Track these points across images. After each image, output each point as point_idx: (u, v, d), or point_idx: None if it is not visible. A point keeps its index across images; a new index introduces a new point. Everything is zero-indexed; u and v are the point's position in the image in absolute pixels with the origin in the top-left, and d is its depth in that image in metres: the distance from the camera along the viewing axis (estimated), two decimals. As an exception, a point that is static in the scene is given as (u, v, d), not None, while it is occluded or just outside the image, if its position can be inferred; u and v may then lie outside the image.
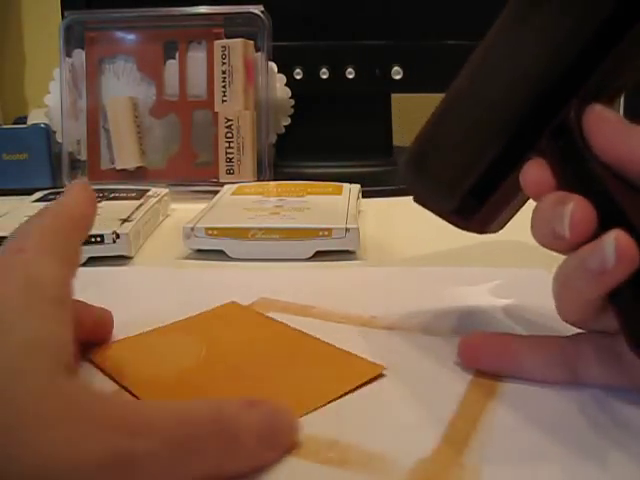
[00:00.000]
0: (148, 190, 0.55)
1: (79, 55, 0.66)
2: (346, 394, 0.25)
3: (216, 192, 0.55)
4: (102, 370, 0.28)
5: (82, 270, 0.42)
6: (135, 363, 0.28)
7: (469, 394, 0.26)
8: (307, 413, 0.24)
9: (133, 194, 0.54)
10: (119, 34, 0.66)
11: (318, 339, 0.30)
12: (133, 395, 0.25)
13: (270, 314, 0.34)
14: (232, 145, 0.63)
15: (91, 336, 0.29)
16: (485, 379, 0.27)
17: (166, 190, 0.56)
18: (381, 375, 0.27)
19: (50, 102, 0.67)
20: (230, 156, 0.63)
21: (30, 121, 0.71)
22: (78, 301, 0.28)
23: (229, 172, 0.63)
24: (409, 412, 0.25)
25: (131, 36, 0.65)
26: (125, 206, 0.50)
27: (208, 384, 0.26)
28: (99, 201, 0.52)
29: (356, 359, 0.28)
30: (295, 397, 0.25)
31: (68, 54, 0.65)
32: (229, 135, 0.63)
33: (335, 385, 0.26)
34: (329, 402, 0.25)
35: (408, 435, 0.23)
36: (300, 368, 0.27)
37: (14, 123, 0.84)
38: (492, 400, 0.25)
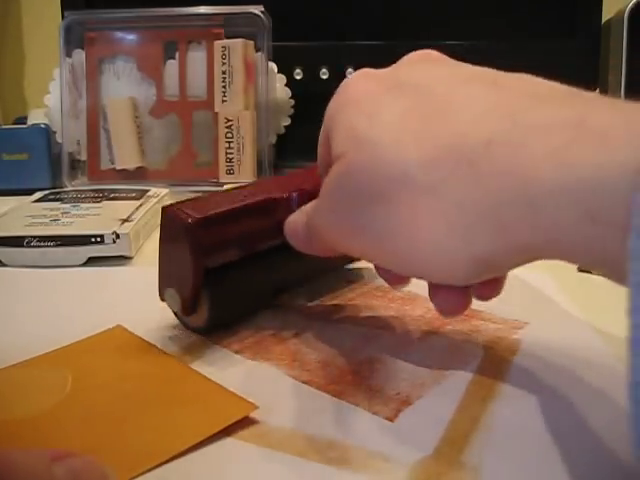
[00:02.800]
0: (148, 190, 0.55)
1: (79, 55, 0.66)
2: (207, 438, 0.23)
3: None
4: None
5: (82, 270, 0.42)
6: None
7: (469, 394, 0.26)
8: (154, 467, 0.22)
9: (133, 194, 0.54)
10: (119, 34, 0.66)
11: (194, 371, 0.28)
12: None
13: (270, 314, 0.34)
14: (232, 145, 0.63)
15: None
16: (485, 379, 0.27)
17: (166, 190, 0.56)
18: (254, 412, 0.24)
19: (50, 102, 0.67)
20: (230, 156, 0.63)
21: (30, 121, 0.71)
22: None
23: (229, 172, 0.63)
24: (409, 412, 0.25)
25: (131, 36, 0.65)
26: (125, 206, 0.50)
27: (60, 429, 0.24)
28: (99, 201, 0.52)
29: (227, 397, 0.26)
30: (148, 445, 0.23)
31: (68, 54, 0.65)
32: (229, 135, 0.63)
33: (194, 430, 0.23)
34: (182, 452, 0.22)
35: (408, 435, 0.23)
36: (164, 409, 0.25)
37: (14, 123, 0.84)
38: (492, 400, 0.25)
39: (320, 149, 0.29)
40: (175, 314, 0.32)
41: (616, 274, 0.18)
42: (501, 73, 0.23)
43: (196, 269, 0.29)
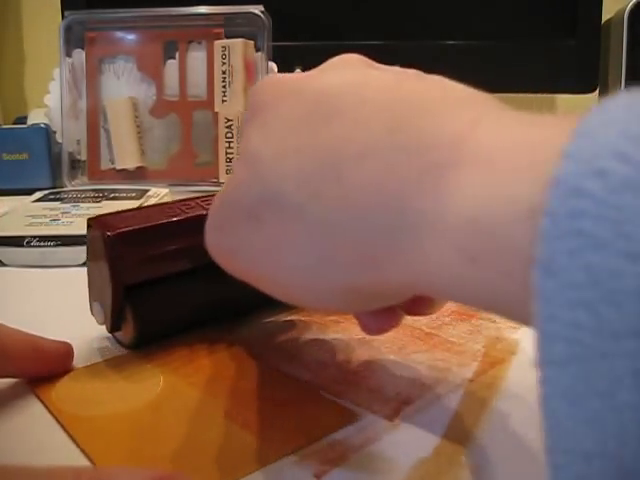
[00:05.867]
0: (148, 190, 0.55)
1: (79, 55, 0.66)
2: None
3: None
4: (46, 407, 0.25)
5: (82, 270, 0.42)
6: (83, 399, 0.26)
7: (469, 393, 0.26)
8: (253, 471, 0.21)
9: (133, 194, 0.54)
10: (119, 34, 0.66)
11: (290, 376, 0.27)
12: (73, 440, 0.23)
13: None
14: (232, 145, 0.63)
15: (46, 370, 0.27)
16: (485, 378, 0.27)
17: (166, 190, 0.56)
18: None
19: (50, 102, 0.67)
20: (230, 156, 0.63)
21: (30, 121, 0.71)
22: (29, 335, 0.27)
23: (229, 172, 0.63)
24: (409, 411, 0.25)
25: (131, 36, 0.65)
26: (125, 206, 0.49)
27: (158, 427, 0.24)
28: (99, 201, 0.52)
29: (327, 405, 0.25)
30: (255, 447, 0.22)
31: (68, 54, 0.65)
32: (229, 135, 0.63)
33: (301, 435, 0.23)
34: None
35: (408, 435, 0.23)
36: (266, 412, 0.24)
37: (14, 123, 0.84)
38: (492, 400, 0.25)
39: None
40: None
41: (513, 317, 0.16)
42: (417, 75, 0.20)
43: (116, 286, 0.28)
